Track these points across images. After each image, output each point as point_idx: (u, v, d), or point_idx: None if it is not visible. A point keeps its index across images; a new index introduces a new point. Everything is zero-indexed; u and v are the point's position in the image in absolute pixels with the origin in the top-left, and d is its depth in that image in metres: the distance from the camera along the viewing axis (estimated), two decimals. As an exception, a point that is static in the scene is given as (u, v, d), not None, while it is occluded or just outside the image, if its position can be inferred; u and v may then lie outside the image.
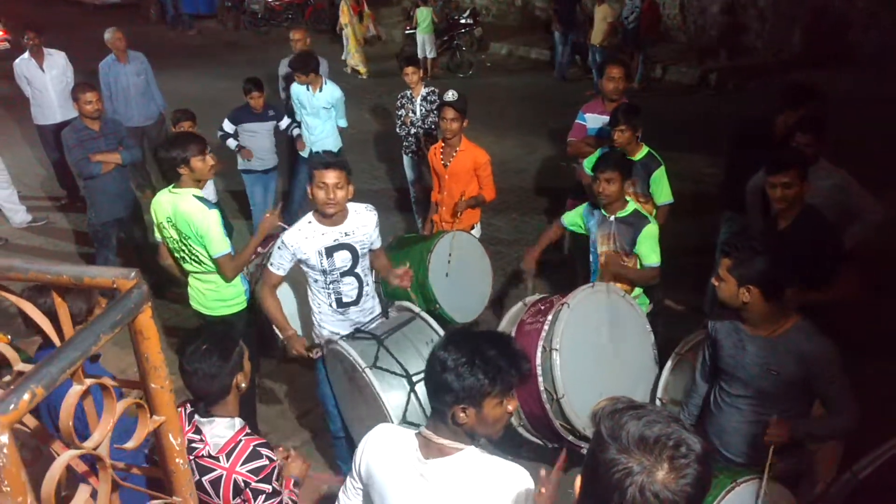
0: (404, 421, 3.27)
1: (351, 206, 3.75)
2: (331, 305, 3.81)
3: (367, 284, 3.87)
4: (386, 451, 2.10)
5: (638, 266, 4.31)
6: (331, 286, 3.76)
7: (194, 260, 4.14)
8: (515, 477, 1.97)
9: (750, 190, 4.69)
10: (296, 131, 7.00)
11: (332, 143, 7.02)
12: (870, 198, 4.34)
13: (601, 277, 4.29)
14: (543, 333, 3.71)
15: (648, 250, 4.26)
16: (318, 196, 3.57)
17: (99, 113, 5.76)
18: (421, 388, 3.34)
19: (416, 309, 3.88)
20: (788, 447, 2.94)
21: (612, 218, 4.31)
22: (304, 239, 3.65)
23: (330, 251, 3.67)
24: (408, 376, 3.42)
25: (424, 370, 2.05)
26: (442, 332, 3.59)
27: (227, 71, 13.73)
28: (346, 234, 3.70)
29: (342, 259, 3.71)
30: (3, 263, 1.25)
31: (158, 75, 8.27)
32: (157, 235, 4.29)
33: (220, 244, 4.02)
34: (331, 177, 3.52)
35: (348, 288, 3.78)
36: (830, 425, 3.02)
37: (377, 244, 3.91)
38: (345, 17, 13.91)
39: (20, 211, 7.84)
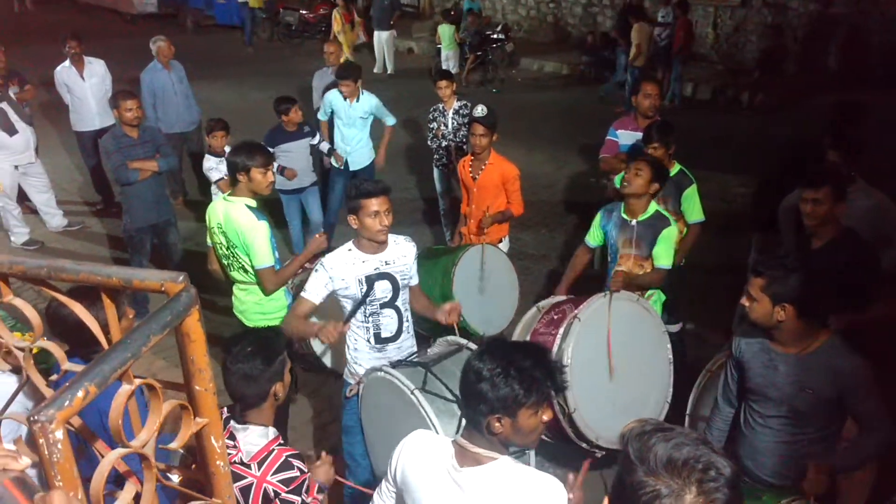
0: None
1: (390, 236, 3.68)
2: (368, 341, 3.71)
3: (407, 320, 3.78)
4: (422, 456, 2.12)
5: (650, 268, 4.30)
6: (370, 319, 3.67)
7: (241, 269, 4.18)
8: (550, 488, 1.96)
9: (783, 208, 4.66)
10: (324, 145, 7.01)
11: (367, 153, 7.13)
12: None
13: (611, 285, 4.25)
14: (555, 349, 3.69)
15: (663, 252, 4.25)
16: (370, 225, 3.49)
17: (139, 120, 5.86)
18: None
19: (463, 342, 3.73)
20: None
21: (634, 222, 4.29)
22: (344, 264, 3.57)
23: (370, 280, 3.58)
24: (458, 401, 3.19)
25: (460, 379, 2.05)
26: None
27: (260, 82, 13.92)
28: (387, 263, 3.63)
29: (382, 289, 3.63)
30: (54, 265, 1.29)
31: (192, 84, 8.43)
32: (209, 240, 4.35)
33: (265, 257, 4.02)
34: (384, 203, 3.49)
35: (388, 321, 3.70)
36: (865, 447, 2.93)
37: (414, 280, 3.82)
38: (337, 24, 14.75)
39: (57, 215, 7.99)
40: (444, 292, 4.73)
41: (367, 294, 3.58)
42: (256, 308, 4.27)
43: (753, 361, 3.10)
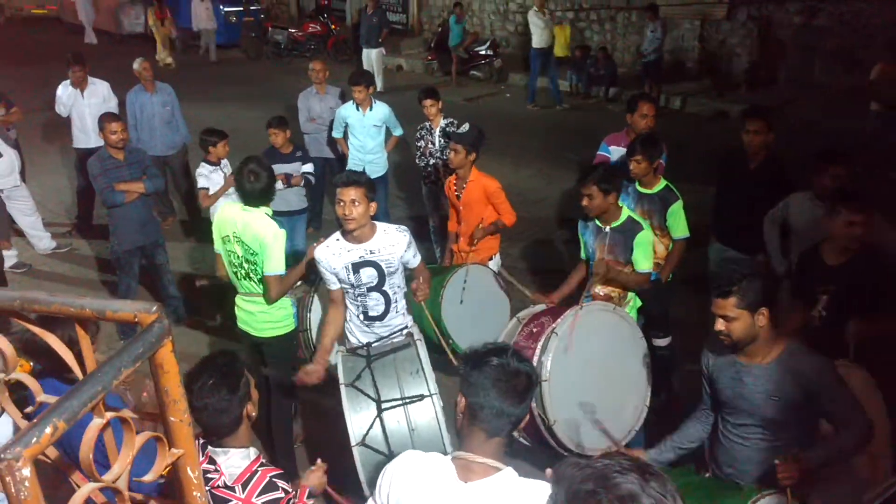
0: (363, 444, 3.33)
1: (380, 225, 3.90)
2: (358, 317, 4.02)
3: (396, 302, 4.00)
4: (417, 480, 2.09)
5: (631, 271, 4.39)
6: (358, 299, 3.96)
7: (251, 279, 4.27)
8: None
9: (769, 218, 4.76)
10: (308, 166, 6.79)
11: (382, 163, 7.36)
12: (892, 234, 4.31)
13: (593, 282, 4.33)
14: (534, 362, 3.75)
15: (642, 257, 4.34)
16: (337, 212, 3.77)
17: (124, 143, 5.87)
18: (388, 416, 3.38)
19: (417, 335, 3.90)
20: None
21: (608, 229, 4.38)
22: (331, 255, 3.85)
23: (356, 267, 3.84)
24: (378, 402, 3.42)
25: (483, 389, 2.02)
26: (426, 364, 3.57)
27: (249, 101, 13.91)
28: (372, 252, 3.83)
29: (368, 275, 3.86)
30: (27, 296, 1.28)
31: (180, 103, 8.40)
32: (217, 248, 4.43)
33: (277, 264, 4.15)
34: (349, 194, 3.68)
35: (374, 303, 3.96)
36: (841, 443, 2.95)
37: (414, 263, 4.02)
38: (151, 19, 17.85)
39: (45, 238, 7.94)
40: (434, 316, 4.73)
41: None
42: (265, 317, 4.34)
43: (722, 375, 3.16)
